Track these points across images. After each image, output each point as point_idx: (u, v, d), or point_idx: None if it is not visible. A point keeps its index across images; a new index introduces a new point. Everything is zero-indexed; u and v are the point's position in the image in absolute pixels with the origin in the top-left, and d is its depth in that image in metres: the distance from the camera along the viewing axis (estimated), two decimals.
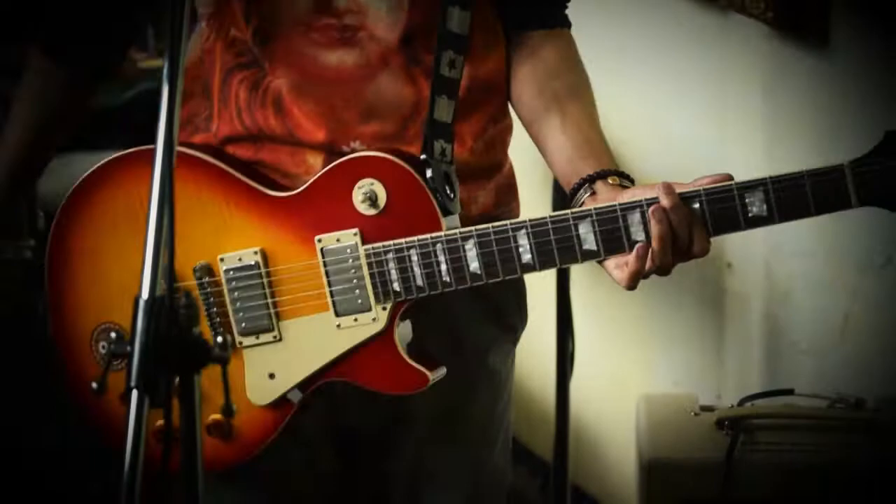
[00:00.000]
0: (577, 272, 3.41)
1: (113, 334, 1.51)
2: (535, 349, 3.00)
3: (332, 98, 1.99)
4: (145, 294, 1.47)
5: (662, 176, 1.97)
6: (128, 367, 1.45)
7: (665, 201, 1.86)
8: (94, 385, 1.54)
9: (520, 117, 2.11)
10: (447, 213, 1.94)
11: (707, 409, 2.92)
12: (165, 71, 1.51)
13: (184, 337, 1.47)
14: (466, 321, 2.10)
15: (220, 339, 1.51)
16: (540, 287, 2.46)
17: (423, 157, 1.95)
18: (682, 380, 3.67)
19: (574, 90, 2.08)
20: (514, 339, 2.20)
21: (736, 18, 3.27)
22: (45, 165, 2.21)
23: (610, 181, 1.97)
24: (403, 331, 1.98)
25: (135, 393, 1.45)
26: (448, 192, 1.94)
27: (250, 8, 1.99)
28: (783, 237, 3.25)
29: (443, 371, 2.00)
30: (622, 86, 3.53)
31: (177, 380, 1.47)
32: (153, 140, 2.04)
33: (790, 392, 2.91)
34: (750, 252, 3.39)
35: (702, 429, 2.82)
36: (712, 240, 1.89)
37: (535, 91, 2.07)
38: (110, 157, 2.02)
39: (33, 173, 2.26)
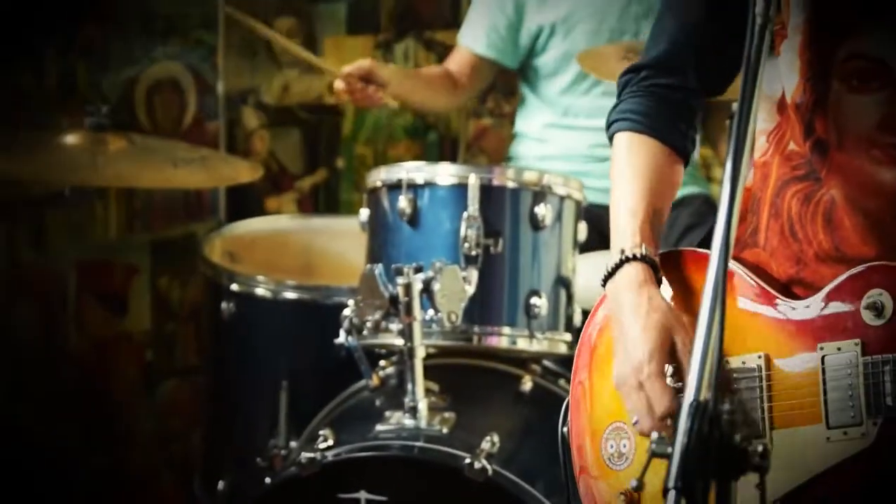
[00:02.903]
0: None
1: (655, 434, 1.54)
2: None
3: (884, 214, 1.98)
4: (690, 396, 1.49)
5: None
6: (668, 468, 1.47)
7: None
8: (634, 482, 1.57)
9: None
10: None
11: None
12: (727, 184, 1.54)
13: (725, 442, 1.47)
14: None
15: (760, 447, 1.50)
16: None
17: None
18: None
19: None
20: None
21: None
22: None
23: None
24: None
25: (672, 494, 1.46)
26: None
27: (813, 122, 2.01)
28: None
29: None
30: None
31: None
32: None
33: None
34: None
35: None
36: None
37: None
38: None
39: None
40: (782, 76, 2.04)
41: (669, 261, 2.09)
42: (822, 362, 1.93)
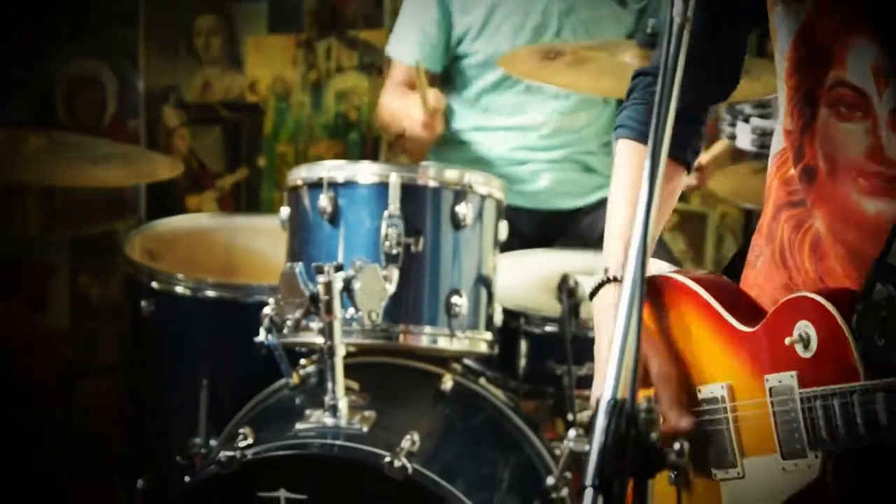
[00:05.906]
0: None
1: (572, 432, 1.55)
2: None
3: (864, 246, 1.95)
4: (608, 395, 1.50)
5: None
6: (584, 465, 1.49)
7: None
8: (552, 480, 1.59)
9: None
10: (872, 362, 1.85)
11: None
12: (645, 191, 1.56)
13: (642, 440, 1.49)
14: None
15: (677, 445, 1.52)
16: None
17: (854, 296, 1.89)
18: None
19: None
20: None
21: None
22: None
23: None
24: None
25: (589, 492, 1.48)
26: (878, 338, 1.86)
27: (803, 148, 2.00)
28: None
29: None
30: None
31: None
32: None
33: None
34: None
35: None
36: None
37: None
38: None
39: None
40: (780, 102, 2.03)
41: (650, 286, 2.08)
42: (770, 394, 1.95)
